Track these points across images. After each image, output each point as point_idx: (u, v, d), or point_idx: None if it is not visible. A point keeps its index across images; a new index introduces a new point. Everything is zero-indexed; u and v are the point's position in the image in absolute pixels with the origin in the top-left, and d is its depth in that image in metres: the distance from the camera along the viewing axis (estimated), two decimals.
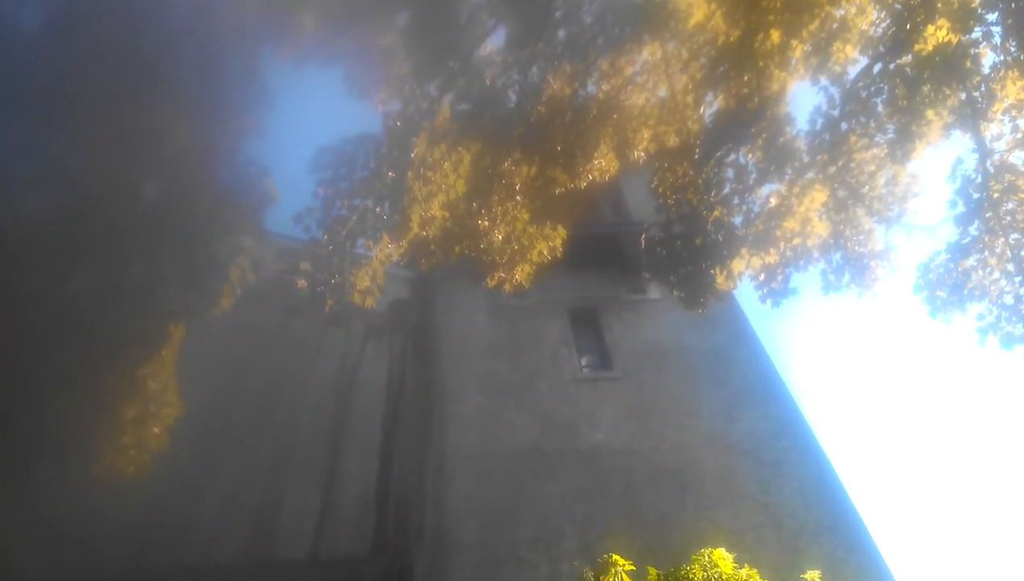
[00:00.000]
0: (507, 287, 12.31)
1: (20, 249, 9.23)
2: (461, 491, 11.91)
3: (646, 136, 12.37)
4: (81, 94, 9.60)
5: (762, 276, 10.13)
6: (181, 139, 9.91)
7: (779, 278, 10.24)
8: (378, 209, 10.30)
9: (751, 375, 13.90)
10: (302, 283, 10.70)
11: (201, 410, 12.79)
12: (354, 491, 13.13)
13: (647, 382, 13.82)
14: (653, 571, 7.09)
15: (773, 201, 10.01)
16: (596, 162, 11.54)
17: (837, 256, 10.42)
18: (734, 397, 13.40)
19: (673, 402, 13.32)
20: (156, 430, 9.77)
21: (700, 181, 10.26)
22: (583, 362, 14.66)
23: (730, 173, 10.38)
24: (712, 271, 10.12)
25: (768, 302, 10.21)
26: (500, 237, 11.65)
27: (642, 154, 12.78)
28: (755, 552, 10.62)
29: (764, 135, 9.69)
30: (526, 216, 11.70)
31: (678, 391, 13.57)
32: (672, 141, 12.99)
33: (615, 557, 7.36)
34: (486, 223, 11.46)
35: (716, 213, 10.18)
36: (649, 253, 11.72)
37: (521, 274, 12.12)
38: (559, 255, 12.59)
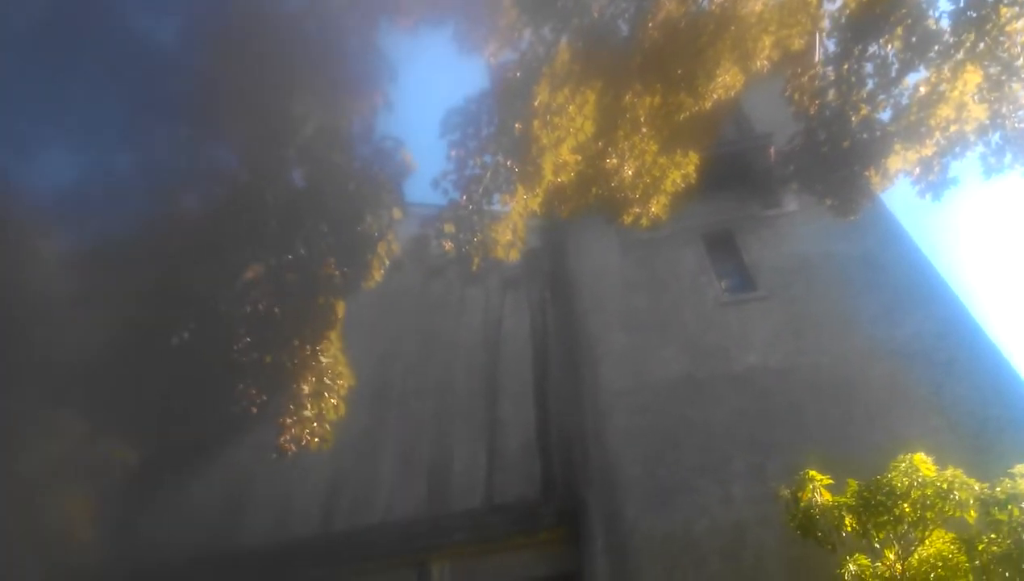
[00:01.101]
0: (644, 221, 12.20)
1: (186, 247, 10.00)
2: (620, 426, 12.08)
3: (767, 44, 11.76)
4: (223, 91, 10.20)
5: (917, 170, 9.52)
6: (317, 122, 10.35)
7: (936, 169, 9.59)
8: (508, 162, 10.39)
9: (908, 277, 13.20)
10: (448, 245, 11.00)
11: (365, 379, 13.52)
12: (516, 438, 13.56)
13: (796, 298, 13.42)
14: (853, 483, 6.96)
15: (922, 90, 9.33)
16: (719, 80, 11.13)
17: (996, 137, 9.62)
18: (892, 302, 12.79)
19: (827, 315, 12.88)
20: (334, 401, 10.41)
21: (839, 81, 9.70)
22: (725, 286, 14.39)
23: (869, 68, 9.74)
24: (865, 173, 9.60)
25: (928, 196, 9.60)
26: (630, 173, 11.51)
27: (765, 63, 12.20)
28: (936, 456, 10.28)
29: (905, 22, 9.01)
30: (655, 147, 11.48)
31: (830, 303, 13.09)
32: (797, 45, 12.35)
33: (812, 473, 7.25)
34: (614, 161, 11.34)
35: (863, 112, 9.61)
36: (790, 164, 11.24)
37: (657, 206, 11.97)
38: (693, 182, 12.32)
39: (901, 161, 9.42)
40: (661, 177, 11.67)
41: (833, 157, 9.92)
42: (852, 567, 6.52)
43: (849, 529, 6.80)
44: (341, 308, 10.39)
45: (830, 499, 7.10)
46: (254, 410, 10.53)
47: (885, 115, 9.81)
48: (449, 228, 10.84)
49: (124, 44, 11.71)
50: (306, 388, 10.49)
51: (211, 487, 13.86)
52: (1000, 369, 11.28)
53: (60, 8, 12.34)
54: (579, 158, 10.97)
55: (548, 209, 11.96)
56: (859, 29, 9.37)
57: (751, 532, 10.14)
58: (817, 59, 10.05)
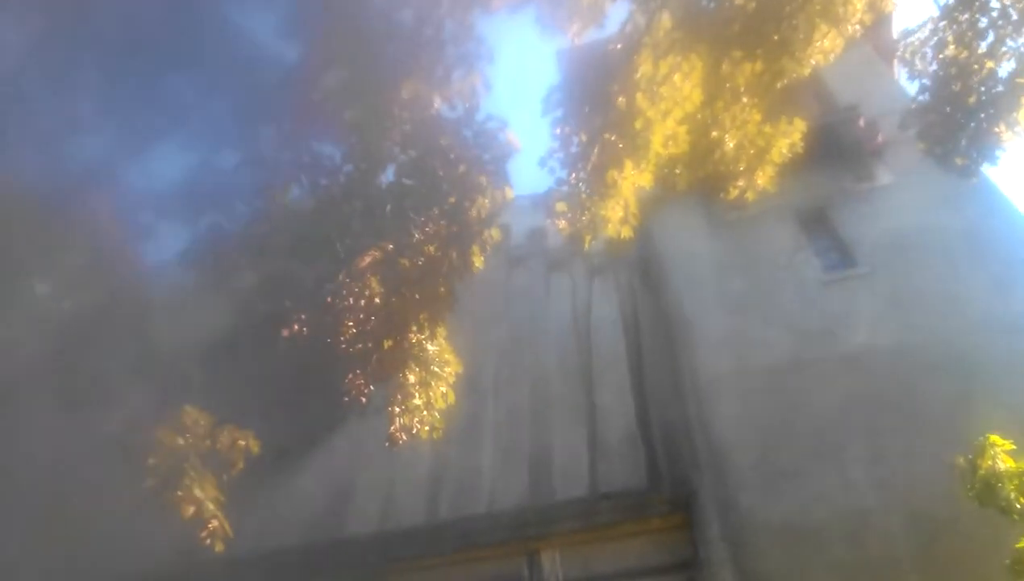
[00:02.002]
0: (750, 195, 12.01)
1: (295, 240, 10.24)
2: (727, 413, 11.94)
3: (858, 6, 11.38)
4: (324, 84, 10.36)
5: None
6: (422, 108, 10.41)
7: None
8: (613, 137, 10.26)
9: (1016, 248, 12.72)
10: (563, 224, 10.96)
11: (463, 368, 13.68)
12: (617, 426, 13.56)
13: (900, 273, 13.03)
14: None
15: None
16: (816, 44, 10.82)
17: None
18: (1002, 274, 12.33)
19: (934, 290, 12.48)
20: (443, 389, 10.53)
21: (958, 36, 9.30)
22: (823, 264, 14.05)
23: (984, 21, 9.30)
24: (995, 129, 9.22)
25: None
26: (732, 144, 11.31)
27: (857, 28, 11.81)
28: None
29: None
30: (758, 116, 11.24)
31: (937, 278, 12.68)
32: (890, 6, 11.94)
33: (992, 437, 6.98)
34: (715, 133, 11.16)
35: (989, 65, 9.20)
36: (910, 127, 10.82)
37: (763, 177, 11.73)
38: (800, 151, 12.04)
39: None
40: (767, 147, 11.42)
41: (959, 114, 9.50)
42: None
43: None
44: (450, 295, 10.47)
45: (1014, 465, 6.82)
46: (363, 400, 10.69)
47: (1009, 67, 9.35)
48: (562, 207, 10.78)
49: (226, 41, 12.01)
50: (412, 377, 10.61)
51: (318, 477, 14.26)
52: None
53: (163, 6, 12.71)
54: (688, 129, 10.79)
55: (659, 183, 11.78)
56: None
57: (875, 517, 9.97)
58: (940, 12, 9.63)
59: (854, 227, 14.37)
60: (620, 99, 10.13)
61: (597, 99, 10.31)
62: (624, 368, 14.66)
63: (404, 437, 10.66)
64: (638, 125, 10.04)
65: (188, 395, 10.03)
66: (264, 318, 10.59)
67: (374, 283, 10.79)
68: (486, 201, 10.45)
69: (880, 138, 15.71)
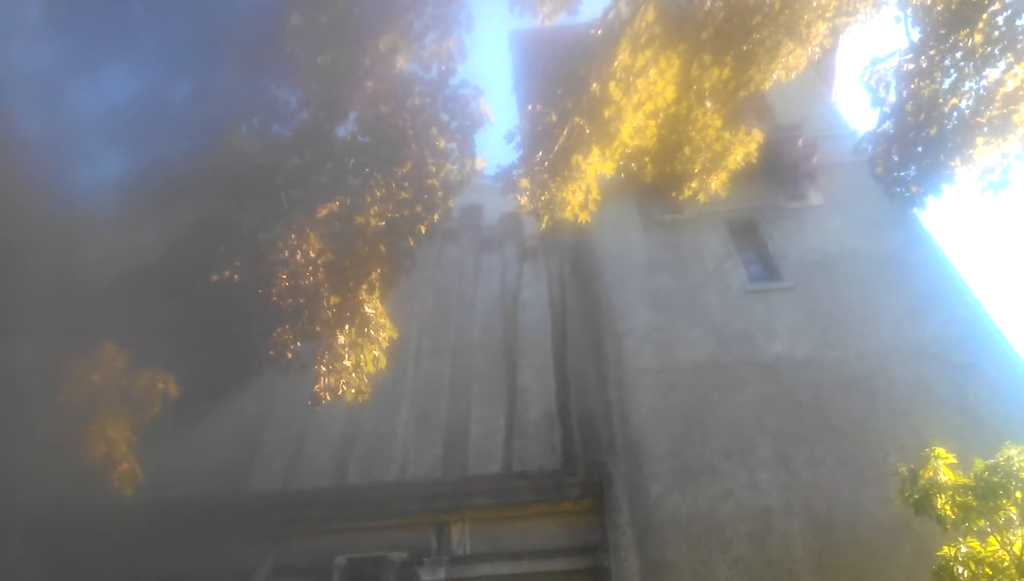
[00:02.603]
0: (701, 196, 12.23)
1: (239, 183, 9.78)
2: (646, 404, 12.21)
3: (821, 30, 11.75)
4: (292, 26, 9.89)
5: (996, 166, 9.59)
6: (394, 64, 10.08)
7: (1000, 167, 9.67)
8: (579, 121, 10.24)
9: (931, 279, 13.47)
10: (524, 200, 10.87)
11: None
12: (536, 407, 13.65)
13: (820, 291, 13.61)
14: (980, 463, 7.02)
15: (1012, 84, 9.36)
16: (781, 60, 11.10)
17: None
18: (916, 302, 13.06)
19: (852, 311, 13.09)
20: (375, 352, 10.32)
21: (926, 70, 9.70)
22: (749, 274, 14.51)
23: (948, 60, 9.71)
24: (951, 162, 9.66)
25: (989, 193, 9.70)
26: (692, 146, 11.51)
27: (816, 51, 12.20)
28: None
29: (1004, 14, 8.99)
30: (719, 122, 11.47)
31: (855, 299, 13.31)
32: (853, 33, 12.35)
33: (938, 450, 7.31)
34: (683, 131, 11.32)
35: (954, 101, 9.63)
36: (867, 148, 11.21)
37: (716, 182, 11.97)
38: (754, 161, 12.35)
39: (984, 154, 9.48)
40: (723, 153, 11.67)
41: (917, 145, 9.91)
42: (964, 548, 6.58)
43: (974, 505, 6.76)
44: (409, 256, 10.26)
45: (952, 478, 7.18)
46: (289, 355, 10.39)
47: (968, 105, 9.81)
48: (525, 183, 10.69)
49: None
50: (342, 338, 10.37)
51: (225, 429, 13.82)
52: (1020, 375, 11.60)
53: None
54: (656, 124, 10.89)
55: (624, 174, 11.85)
56: (949, 18, 9.32)
57: (777, 518, 10.38)
58: (912, 45, 9.97)
59: (781, 242, 14.91)
60: (595, 85, 10.14)
61: (571, 82, 10.29)
62: (547, 351, 14.77)
63: (328, 397, 10.42)
64: (607, 113, 10.08)
65: (107, 331, 9.48)
66: (195, 259, 10.09)
67: (313, 238, 10.48)
68: (453, 168, 10.28)
69: (815, 160, 16.34)
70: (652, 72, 10.40)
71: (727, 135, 11.61)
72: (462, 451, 13.13)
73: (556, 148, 10.29)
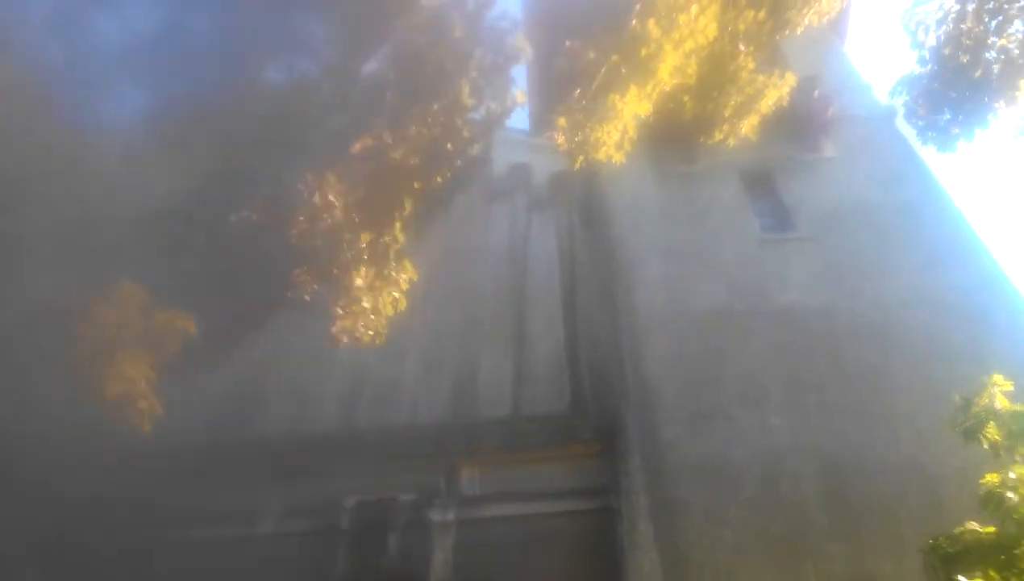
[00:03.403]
0: (731, 141, 12.05)
1: (259, 122, 9.58)
2: (659, 351, 12.13)
3: None
4: None
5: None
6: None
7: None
8: (617, 59, 9.98)
9: (945, 231, 13.36)
10: (561, 139, 10.68)
11: None
12: (545, 354, 13.62)
13: (835, 242, 13.47)
14: None
15: None
16: (814, 4, 10.87)
17: None
18: (930, 254, 12.94)
19: (866, 261, 12.97)
20: (396, 294, 10.21)
21: (962, 13, 9.49)
22: (762, 224, 14.37)
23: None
24: (996, 104, 9.49)
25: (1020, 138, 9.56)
26: (724, 88, 11.28)
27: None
28: None
29: None
30: (752, 64, 11.24)
31: (870, 250, 13.18)
32: None
33: (996, 377, 7.17)
34: (728, 67, 11.08)
35: (1003, 42, 9.43)
36: (904, 92, 10.99)
37: (747, 126, 11.77)
38: (785, 105, 12.14)
39: None
40: (756, 96, 11.45)
41: (963, 86, 9.71)
42: (1012, 474, 6.46)
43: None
44: (433, 194, 10.09)
45: (1007, 406, 7.05)
46: (307, 298, 10.29)
47: (1014, 46, 9.61)
48: (563, 122, 10.48)
49: None
50: (360, 281, 10.26)
51: (236, 371, 13.75)
52: None
53: None
54: (698, 60, 10.65)
55: (662, 113, 11.63)
56: None
57: (789, 461, 10.36)
58: None
59: (796, 193, 14.75)
60: (634, 22, 9.89)
61: (610, 18, 10.04)
62: (557, 300, 14.69)
63: (345, 339, 10.35)
64: (644, 52, 9.84)
65: (125, 268, 9.35)
66: (216, 199, 9.92)
67: (332, 180, 10.30)
68: (493, 103, 10.08)
69: (830, 112, 16.13)
70: (694, 8, 10.12)
71: (761, 78, 11.39)
72: (471, 396, 13.11)
73: (594, 86, 10.06)
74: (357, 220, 9.67)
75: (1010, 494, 6.18)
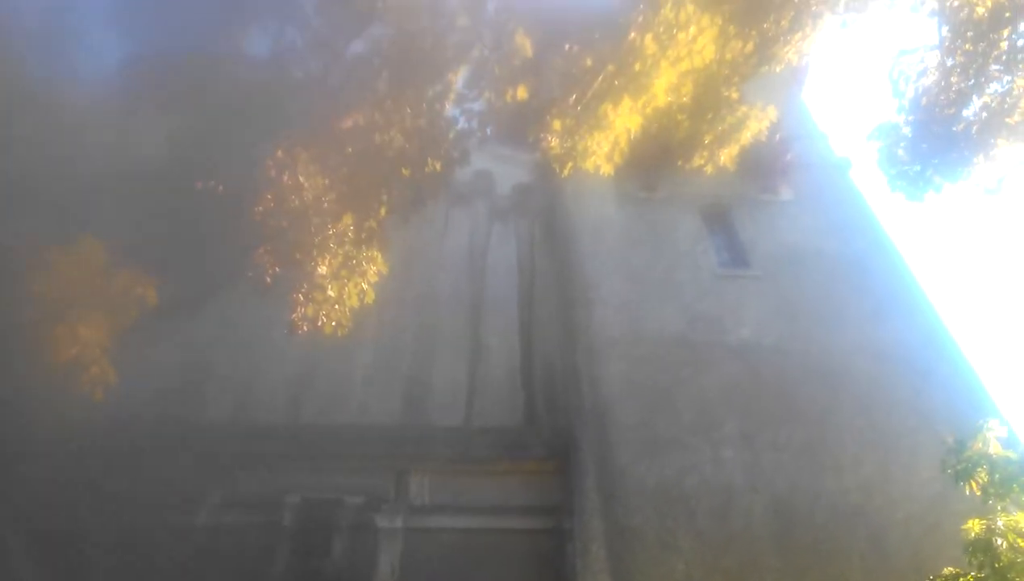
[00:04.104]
0: (709, 169, 12.23)
1: (238, 87, 9.17)
2: (616, 373, 12.24)
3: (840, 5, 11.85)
4: None
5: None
6: None
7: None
8: (614, 70, 9.98)
9: (894, 284, 13.98)
10: (554, 142, 10.57)
11: None
12: (499, 366, 13.52)
13: (787, 284, 13.92)
14: None
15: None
16: (795, 44, 11.16)
17: None
18: (878, 306, 13.51)
19: (817, 306, 13.45)
20: (364, 285, 9.92)
21: (948, 69, 9.88)
22: (719, 259, 14.71)
23: (979, 60, 9.92)
24: (974, 158, 9.90)
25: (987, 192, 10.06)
26: (710, 114, 11.45)
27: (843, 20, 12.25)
28: (913, 451, 11.08)
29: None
30: (736, 95, 11.46)
31: (820, 296, 13.67)
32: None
33: (992, 422, 7.37)
34: (724, 91, 11.24)
35: (985, 99, 9.86)
36: (879, 139, 11.35)
37: (726, 155, 11.98)
38: (764, 139, 12.43)
39: (1006, 153, 9.75)
40: (738, 125, 11.67)
41: (939, 138, 10.10)
42: (1002, 520, 6.66)
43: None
44: (440, 177, 9.79)
45: (1000, 452, 7.27)
46: (268, 281, 9.90)
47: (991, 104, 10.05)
48: (556, 125, 10.39)
49: None
50: (324, 269, 9.95)
51: (182, 349, 13.05)
52: (973, 384, 12.18)
53: None
54: (691, 82, 10.74)
55: (656, 129, 11.66)
56: (980, 23, 9.52)
57: (740, 496, 10.58)
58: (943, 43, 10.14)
59: (752, 232, 15.18)
60: (633, 35, 9.93)
61: (609, 28, 10.05)
62: (514, 313, 14.64)
63: (306, 328, 10.00)
64: (637, 67, 9.91)
65: (92, 225, 8.77)
66: (188, 165, 9.42)
67: (303, 159, 9.96)
68: (491, 95, 9.90)
69: (789, 156, 16.67)
70: (693, 28, 10.24)
71: (744, 108, 11.64)
72: (423, 402, 12.90)
73: (589, 93, 10.06)
74: (336, 202, 9.35)
75: (998, 540, 6.41)
